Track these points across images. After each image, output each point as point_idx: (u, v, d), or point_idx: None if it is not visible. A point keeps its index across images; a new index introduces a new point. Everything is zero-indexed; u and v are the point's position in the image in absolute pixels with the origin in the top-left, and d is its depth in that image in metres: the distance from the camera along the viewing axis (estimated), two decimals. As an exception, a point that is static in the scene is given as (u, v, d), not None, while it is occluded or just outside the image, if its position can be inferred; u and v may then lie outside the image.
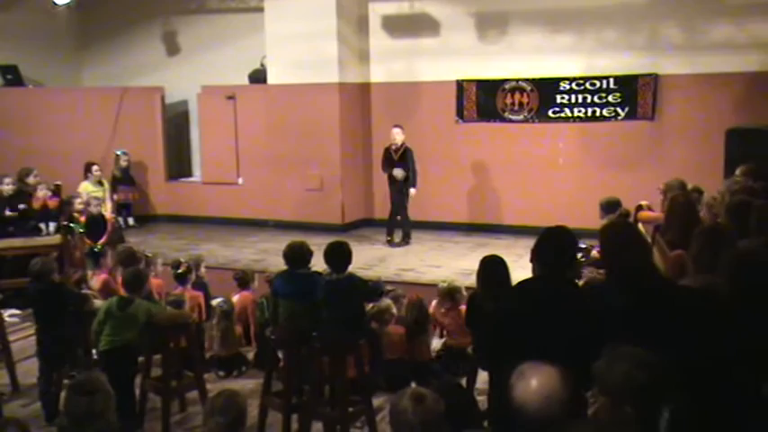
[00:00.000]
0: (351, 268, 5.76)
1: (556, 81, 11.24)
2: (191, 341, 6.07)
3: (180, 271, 7.27)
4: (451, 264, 9.90)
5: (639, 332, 3.09)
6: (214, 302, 7.41)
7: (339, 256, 5.67)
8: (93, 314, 5.91)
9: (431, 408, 2.81)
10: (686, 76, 10.56)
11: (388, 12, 12.08)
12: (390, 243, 11.11)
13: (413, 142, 11.05)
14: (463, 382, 5.58)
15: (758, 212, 4.91)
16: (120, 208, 12.39)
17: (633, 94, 10.88)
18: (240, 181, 12.98)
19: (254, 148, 12.60)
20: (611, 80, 10.96)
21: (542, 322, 3.43)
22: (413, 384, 5.85)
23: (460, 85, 11.84)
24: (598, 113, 11.12)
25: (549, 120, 11.40)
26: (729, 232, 4.44)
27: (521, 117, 11.58)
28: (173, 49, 14.08)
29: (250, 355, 7.16)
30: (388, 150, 11.00)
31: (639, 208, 7.86)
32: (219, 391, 3.73)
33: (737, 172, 7.12)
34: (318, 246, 6.04)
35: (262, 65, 12.60)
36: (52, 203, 9.16)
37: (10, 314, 8.07)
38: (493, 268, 5.22)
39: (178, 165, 14.10)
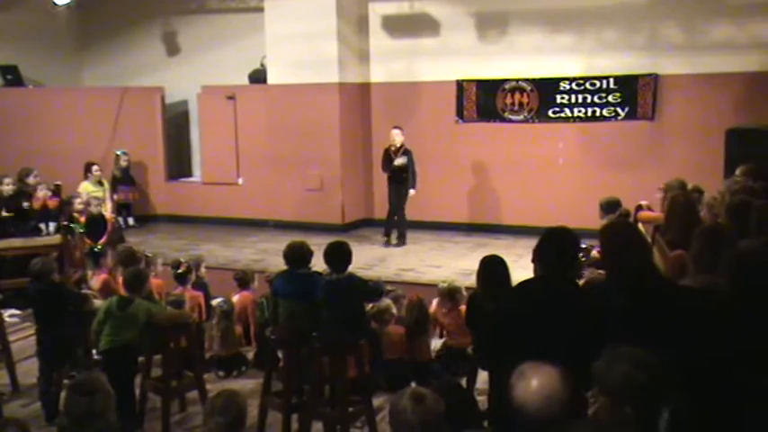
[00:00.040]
0: (351, 268, 5.76)
1: (556, 81, 11.25)
2: (191, 341, 6.07)
3: (180, 271, 7.27)
4: (451, 264, 9.90)
5: (640, 332, 3.09)
6: (214, 302, 7.40)
7: (339, 256, 5.67)
8: (93, 314, 5.92)
9: (431, 408, 2.81)
10: (686, 76, 10.56)
11: (388, 12, 12.09)
12: (386, 244, 11.10)
13: (413, 142, 11.05)
14: (463, 382, 5.59)
15: (758, 212, 4.91)
16: (121, 208, 12.39)
17: (633, 95, 10.88)
18: (240, 181, 12.98)
19: (254, 148, 12.61)
20: (611, 80, 10.97)
21: (543, 322, 3.43)
22: (413, 384, 5.85)
23: (460, 85, 11.84)
24: (598, 113, 11.12)
25: (549, 120, 11.40)
26: (730, 232, 4.44)
27: (521, 117, 11.58)
28: (173, 49, 14.08)
29: (250, 355, 7.16)
30: (387, 151, 11.01)
31: (639, 208, 7.86)
32: (219, 391, 3.73)
33: (737, 172, 7.12)
34: (318, 246, 6.04)
35: (262, 65, 12.60)
36: (52, 203, 9.15)
37: (10, 314, 8.07)
38: (493, 268, 5.22)
39: (178, 165, 14.11)
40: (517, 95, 11.56)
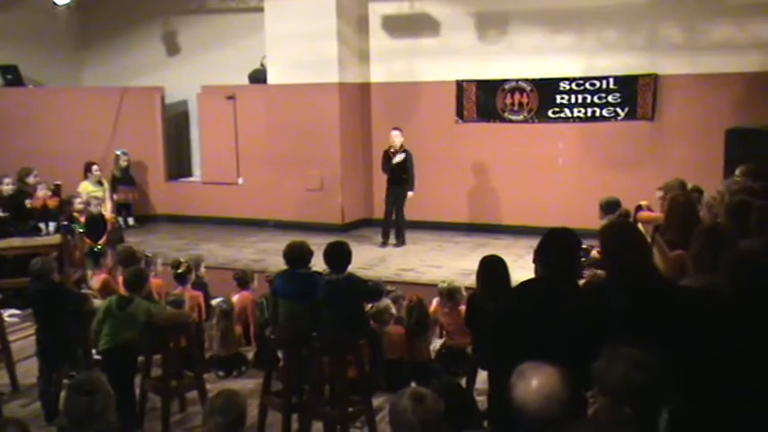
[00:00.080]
0: (351, 268, 5.76)
1: (556, 81, 11.24)
2: (190, 341, 6.07)
3: (180, 271, 7.27)
4: (451, 264, 9.90)
5: (639, 332, 3.09)
6: (214, 302, 7.41)
7: (339, 256, 5.67)
8: (93, 314, 5.92)
9: (431, 408, 2.81)
10: (686, 76, 10.56)
11: (388, 12, 12.09)
12: (383, 245, 11.08)
13: (413, 142, 11.05)
14: (463, 382, 5.58)
15: (758, 213, 4.90)
16: (120, 208, 12.38)
17: (633, 95, 10.88)
18: (240, 181, 12.98)
19: (254, 148, 12.60)
20: (611, 80, 10.97)
21: (542, 322, 3.43)
22: (413, 384, 5.85)
23: (460, 85, 11.84)
24: (598, 114, 11.12)
25: (549, 120, 11.40)
26: (729, 232, 4.43)
27: (521, 117, 11.58)
28: (173, 49, 14.08)
29: (250, 355, 7.15)
30: (387, 153, 11.00)
31: (639, 208, 7.87)
32: (219, 391, 3.72)
33: (737, 172, 7.12)
34: (318, 246, 6.04)
35: (262, 65, 12.60)
36: (52, 203, 9.15)
37: (10, 314, 8.07)
38: (493, 268, 5.22)
39: (178, 165, 14.10)
40: (517, 96, 11.56)
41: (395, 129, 10.94)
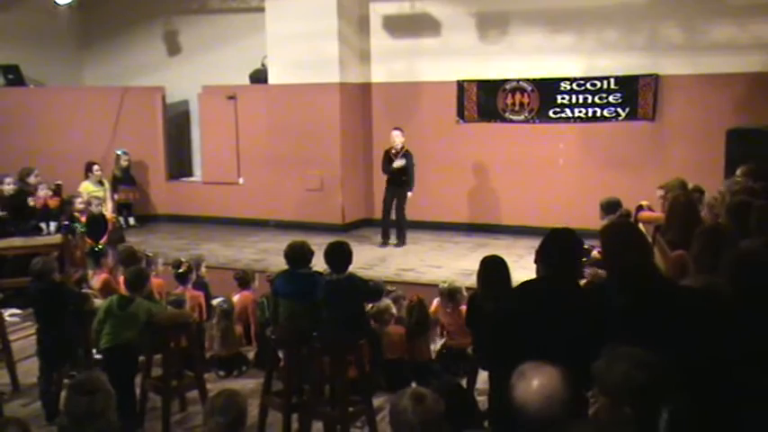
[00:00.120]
0: (351, 268, 5.76)
1: (556, 81, 11.24)
2: (191, 341, 6.07)
3: (180, 271, 7.27)
4: (452, 264, 9.90)
5: (640, 332, 3.09)
6: (214, 302, 7.41)
7: (339, 256, 5.67)
8: (94, 314, 5.91)
9: (431, 408, 2.81)
10: (687, 76, 10.56)
11: (389, 12, 12.09)
12: (384, 245, 11.08)
13: (413, 142, 11.05)
14: (463, 382, 5.58)
15: (758, 213, 4.90)
16: (121, 207, 12.39)
17: (634, 95, 10.88)
18: (241, 181, 12.98)
19: (255, 148, 12.61)
20: (612, 80, 10.97)
21: (543, 322, 3.43)
22: (413, 384, 5.85)
23: (461, 85, 11.84)
24: (599, 114, 11.12)
25: (550, 120, 11.40)
26: (730, 232, 4.43)
27: (521, 117, 11.58)
28: (174, 48, 14.09)
29: (250, 355, 7.15)
30: (387, 153, 11.00)
31: (640, 208, 7.86)
32: (219, 390, 3.72)
33: (738, 172, 7.12)
34: (319, 246, 6.04)
35: (262, 65, 12.60)
36: (53, 203, 9.16)
37: (10, 314, 8.08)
38: (493, 268, 5.22)
39: (179, 164, 14.11)
40: (518, 96, 11.56)
41: (396, 129, 10.94)
